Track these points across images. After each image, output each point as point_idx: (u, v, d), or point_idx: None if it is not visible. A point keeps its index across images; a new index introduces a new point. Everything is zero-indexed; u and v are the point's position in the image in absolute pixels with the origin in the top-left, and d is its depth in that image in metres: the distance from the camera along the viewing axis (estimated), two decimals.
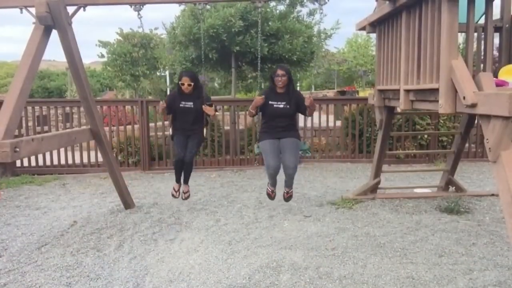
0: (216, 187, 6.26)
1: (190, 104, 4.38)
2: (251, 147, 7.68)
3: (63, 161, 7.54)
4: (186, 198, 4.71)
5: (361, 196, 5.30)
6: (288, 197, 4.53)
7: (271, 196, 4.55)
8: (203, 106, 4.30)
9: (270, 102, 4.19)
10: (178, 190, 4.62)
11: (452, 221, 4.42)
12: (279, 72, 4.17)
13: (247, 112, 4.61)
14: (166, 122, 9.36)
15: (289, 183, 4.39)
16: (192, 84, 4.35)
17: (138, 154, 7.64)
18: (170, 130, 4.56)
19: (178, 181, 4.56)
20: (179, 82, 4.37)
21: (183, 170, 4.49)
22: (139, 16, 4.13)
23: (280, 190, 4.57)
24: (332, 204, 5.13)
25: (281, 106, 4.17)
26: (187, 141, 4.42)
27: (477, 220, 4.43)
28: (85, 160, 7.57)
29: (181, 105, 4.40)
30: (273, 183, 4.42)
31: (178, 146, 4.40)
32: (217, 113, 4.69)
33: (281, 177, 4.26)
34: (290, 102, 4.18)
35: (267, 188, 4.53)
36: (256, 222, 4.56)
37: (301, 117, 7.09)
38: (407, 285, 3.07)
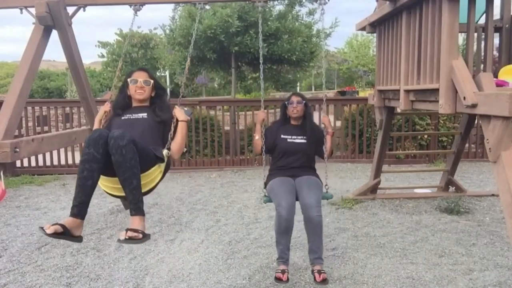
0: (216, 187, 6.26)
1: (142, 115, 2.77)
2: (251, 147, 7.68)
3: (63, 161, 7.54)
4: (125, 240, 2.26)
5: (361, 197, 5.30)
6: (322, 280, 2.82)
7: (283, 278, 2.88)
8: (175, 107, 2.87)
9: (282, 136, 3.36)
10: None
11: (452, 221, 4.42)
12: (294, 99, 3.39)
13: (253, 144, 3.52)
14: None
15: (317, 250, 2.96)
16: (151, 82, 2.85)
17: None
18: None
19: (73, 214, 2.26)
20: (128, 79, 2.85)
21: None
22: (135, 15, 3.95)
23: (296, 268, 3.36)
24: (332, 204, 5.13)
25: (297, 141, 3.34)
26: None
27: (477, 220, 4.43)
28: None
29: (124, 117, 2.77)
30: (283, 252, 3.02)
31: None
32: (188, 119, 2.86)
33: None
34: (308, 136, 3.36)
35: (276, 270, 2.97)
36: (256, 222, 4.56)
37: None
38: (407, 285, 3.07)
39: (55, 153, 7.32)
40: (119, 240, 2.21)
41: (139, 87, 2.77)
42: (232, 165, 7.68)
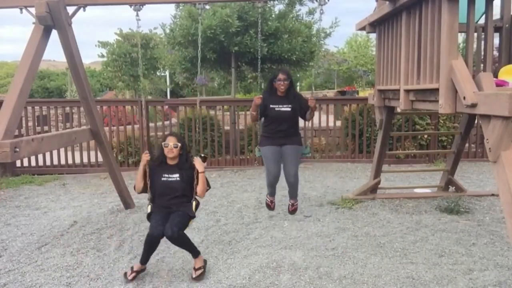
0: (216, 187, 6.26)
1: (175, 176, 3.36)
2: (251, 147, 7.68)
3: (63, 161, 7.55)
4: (197, 277, 3.21)
5: (361, 196, 5.30)
6: (293, 210, 4.53)
7: (271, 206, 4.57)
8: (194, 158, 3.42)
9: (271, 106, 4.12)
10: (137, 272, 3.26)
11: (452, 221, 4.42)
12: (281, 76, 4.09)
13: (249, 116, 4.56)
14: (166, 122, 9.37)
15: (292, 194, 4.41)
16: (179, 145, 3.36)
17: (138, 154, 7.64)
18: (148, 207, 3.45)
19: (143, 261, 3.29)
20: (163, 143, 3.39)
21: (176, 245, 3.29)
22: (138, 18, 4.02)
23: (281, 201, 4.58)
24: (332, 204, 5.13)
25: (283, 109, 4.11)
26: (168, 216, 3.33)
27: (477, 220, 4.43)
28: (85, 160, 7.57)
29: (163, 178, 3.37)
30: (272, 192, 4.44)
31: (154, 220, 3.28)
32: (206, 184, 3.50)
33: (281, 188, 4.27)
34: (293, 105, 4.12)
35: (266, 199, 4.55)
36: (256, 222, 4.56)
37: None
38: (407, 285, 3.07)
39: (55, 153, 7.33)
40: (193, 278, 3.21)
41: (170, 148, 3.36)
42: (232, 165, 7.68)
